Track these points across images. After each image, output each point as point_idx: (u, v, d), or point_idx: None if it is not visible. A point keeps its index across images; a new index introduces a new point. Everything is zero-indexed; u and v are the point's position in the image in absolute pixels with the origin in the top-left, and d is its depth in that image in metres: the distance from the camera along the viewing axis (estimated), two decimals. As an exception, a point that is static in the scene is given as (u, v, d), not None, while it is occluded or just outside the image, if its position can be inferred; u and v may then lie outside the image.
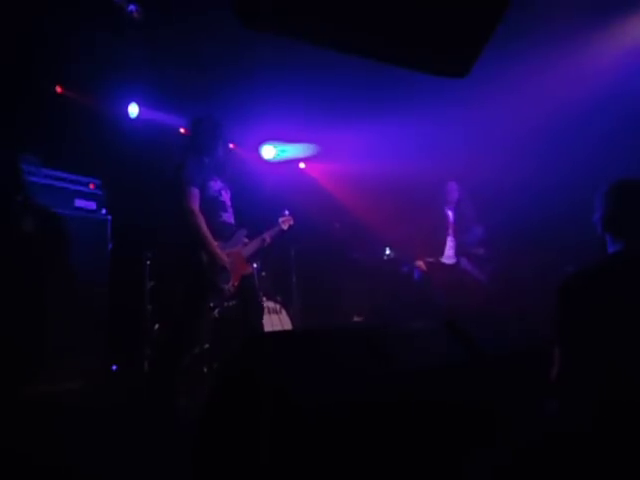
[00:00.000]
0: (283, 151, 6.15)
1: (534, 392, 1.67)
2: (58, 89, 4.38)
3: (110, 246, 3.89)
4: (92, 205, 3.86)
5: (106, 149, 4.19)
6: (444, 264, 4.83)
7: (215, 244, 3.05)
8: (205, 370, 4.09)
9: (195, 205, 3.04)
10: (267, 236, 3.56)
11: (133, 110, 4.73)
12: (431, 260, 4.85)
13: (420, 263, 4.87)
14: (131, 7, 3.89)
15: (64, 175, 3.72)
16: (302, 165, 6.57)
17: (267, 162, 6.11)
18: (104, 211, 3.91)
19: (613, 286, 1.69)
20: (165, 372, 3.07)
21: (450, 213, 4.87)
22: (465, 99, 4.32)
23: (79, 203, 3.77)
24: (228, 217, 3.24)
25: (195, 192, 3.05)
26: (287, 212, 3.86)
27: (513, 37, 3.46)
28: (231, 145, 5.84)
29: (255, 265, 3.43)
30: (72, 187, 3.76)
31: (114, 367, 3.91)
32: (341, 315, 5.75)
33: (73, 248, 3.57)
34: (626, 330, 1.62)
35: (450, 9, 0.84)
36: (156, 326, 4.28)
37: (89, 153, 4.05)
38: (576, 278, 1.78)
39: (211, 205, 3.14)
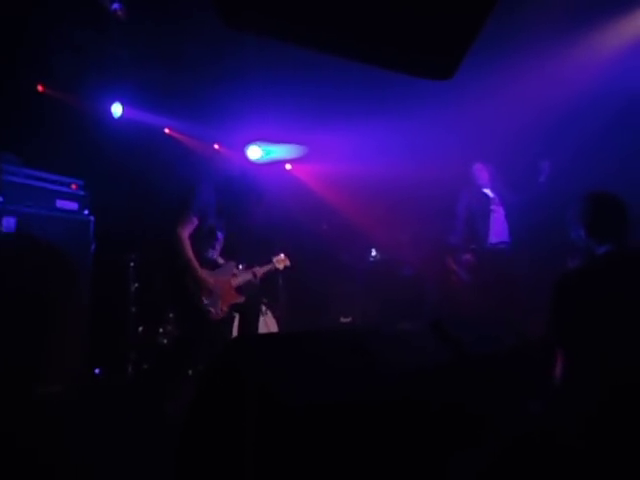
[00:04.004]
0: (269, 152, 6.13)
1: (520, 392, 1.68)
2: (39, 87, 4.31)
3: (93, 247, 3.84)
4: (74, 206, 3.80)
5: (89, 149, 4.14)
6: (492, 247, 4.44)
7: (200, 270, 3.07)
8: (190, 373, 4.06)
9: (185, 232, 3.04)
10: (258, 271, 3.56)
11: (117, 110, 4.67)
12: (474, 247, 4.46)
13: (468, 257, 4.45)
14: (115, 5, 3.85)
15: (45, 175, 3.65)
16: (288, 166, 6.55)
17: (253, 163, 6.09)
18: (86, 212, 3.86)
19: (609, 283, 1.81)
20: (163, 379, 3.12)
21: (488, 191, 4.61)
22: (453, 100, 4.35)
23: (61, 204, 3.71)
24: (213, 254, 3.27)
25: (193, 220, 3.07)
26: (282, 255, 3.89)
27: (500, 39, 3.50)
28: (216, 146, 5.83)
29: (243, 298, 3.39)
30: (54, 187, 3.69)
31: (97, 370, 3.86)
32: (328, 316, 5.74)
33: (55, 249, 3.51)
34: (622, 325, 1.68)
35: (435, 12, 0.84)
36: (140, 328, 4.23)
37: (71, 153, 3.98)
38: (572, 277, 1.89)
39: (204, 238, 3.16)
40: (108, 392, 3.67)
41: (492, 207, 4.52)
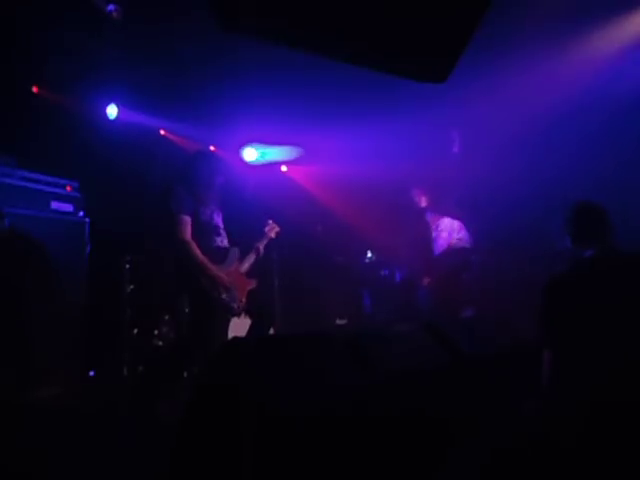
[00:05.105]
0: (265, 154, 6.13)
1: (514, 393, 1.69)
2: (34, 89, 4.29)
3: (88, 249, 3.83)
4: (69, 207, 3.79)
5: (84, 151, 4.12)
6: (436, 259, 4.63)
7: (213, 267, 3.10)
8: (185, 375, 4.05)
9: (187, 234, 3.05)
10: (259, 246, 3.56)
11: (112, 111, 4.66)
12: (425, 266, 4.65)
13: (426, 280, 4.62)
14: (110, 7, 3.85)
15: (40, 177, 3.65)
16: (284, 168, 6.55)
17: (249, 165, 6.08)
18: (82, 213, 3.84)
19: (594, 286, 1.90)
20: (159, 381, 3.11)
21: (428, 214, 4.81)
22: (448, 102, 4.37)
23: (55, 205, 3.70)
24: (222, 241, 3.27)
25: (186, 220, 3.06)
26: (270, 221, 3.81)
27: (494, 41, 3.52)
28: (212, 147, 5.82)
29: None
30: (48, 189, 3.69)
31: (92, 372, 3.85)
32: (323, 318, 5.74)
33: (50, 251, 3.50)
34: (609, 326, 1.71)
35: (429, 16, 0.85)
36: (135, 330, 4.22)
37: (66, 154, 3.97)
38: (559, 280, 1.94)
39: (205, 230, 3.16)
40: (103, 394, 3.66)
41: (433, 227, 4.73)
